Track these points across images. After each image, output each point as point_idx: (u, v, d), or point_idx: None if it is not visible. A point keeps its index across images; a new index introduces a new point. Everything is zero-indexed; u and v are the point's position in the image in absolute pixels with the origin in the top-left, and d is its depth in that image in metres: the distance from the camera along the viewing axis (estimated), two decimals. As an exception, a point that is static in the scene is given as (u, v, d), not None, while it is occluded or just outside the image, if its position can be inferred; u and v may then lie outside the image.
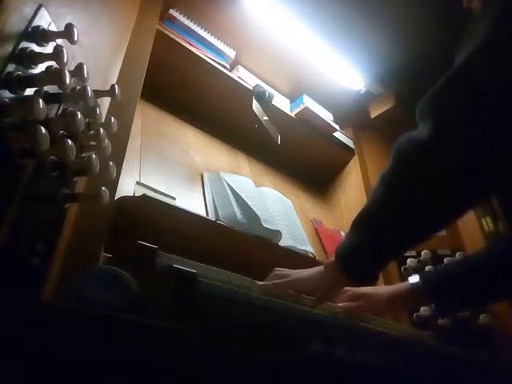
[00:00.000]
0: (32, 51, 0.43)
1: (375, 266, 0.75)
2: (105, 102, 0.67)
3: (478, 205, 0.72)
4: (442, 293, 0.85)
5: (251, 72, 1.42)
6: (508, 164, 0.63)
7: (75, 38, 0.47)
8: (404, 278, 1.10)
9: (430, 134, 0.64)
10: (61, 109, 0.48)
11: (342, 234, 1.37)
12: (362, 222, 0.74)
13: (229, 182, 1.06)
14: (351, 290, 0.86)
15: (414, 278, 0.87)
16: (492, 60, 0.61)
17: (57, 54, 0.44)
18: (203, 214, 0.99)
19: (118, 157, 0.70)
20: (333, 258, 0.77)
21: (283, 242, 1.03)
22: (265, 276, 0.82)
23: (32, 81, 0.42)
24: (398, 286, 0.90)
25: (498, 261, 0.83)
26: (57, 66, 0.45)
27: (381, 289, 0.90)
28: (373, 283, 0.79)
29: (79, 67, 0.48)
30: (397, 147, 0.70)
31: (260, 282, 0.77)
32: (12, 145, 0.39)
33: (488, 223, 1.19)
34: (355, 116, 1.64)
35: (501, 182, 0.71)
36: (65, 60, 0.44)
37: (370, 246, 0.72)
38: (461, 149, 0.62)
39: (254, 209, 1.00)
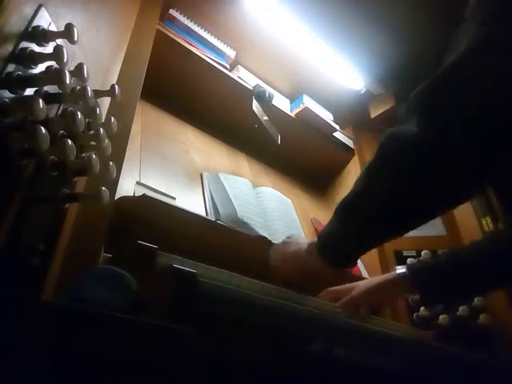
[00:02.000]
0: (32, 51, 0.43)
1: (354, 254, 0.79)
2: (105, 102, 0.67)
3: (465, 201, 0.73)
4: (428, 284, 0.86)
5: (251, 72, 1.42)
6: (502, 162, 0.63)
7: (75, 38, 0.47)
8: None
9: (421, 130, 0.63)
10: (61, 109, 0.48)
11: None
12: (345, 210, 0.77)
13: (224, 183, 1.06)
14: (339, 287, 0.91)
15: (401, 269, 0.89)
16: (485, 57, 0.60)
17: (57, 53, 0.44)
18: (203, 214, 0.99)
19: (118, 157, 0.70)
20: (315, 239, 0.81)
21: (283, 242, 1.03)
22: (265, 276, 0.81)
23: (32, 81, 0.42)
24: (382, 277, 0.92)
25: (486, 257, 0.85)
26: (57, 66, 0.45)
27: (366, 281, 0.92)
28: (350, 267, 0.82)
29: (79, 67, 0.48)
30: (385, 140, 0.70)
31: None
32: (12, 145, 0.39)
33: (488, 223, 1.19)
34: (355, 116, 1.64)
35: (500, 180, 0.71)
36: (65, 60, 0.44)
37: (350, 234, 0.75)
38: (452, 146, 0.62)
39: (246, 211, 1.00)
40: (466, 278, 0.86)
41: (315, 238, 0.83)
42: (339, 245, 0.77)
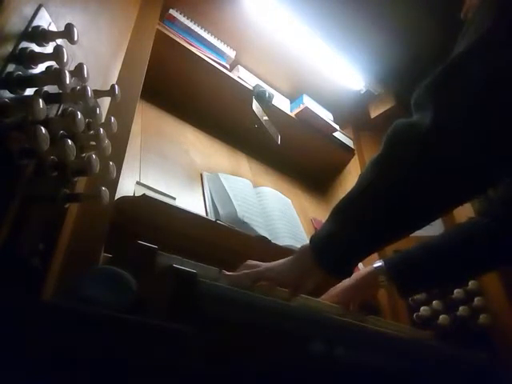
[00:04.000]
0: (32, 51, 0.43)
1: (351, 260, 0.70)
2: (105, 102, 0.67)
3: (476, 197, 0.70)
4: (403, 274, 0.88)
5: (251, 72, 1.42)
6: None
7: (75, 38, 0.47)
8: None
9: (431, 120, 0.59)
10: (61, 109, 0.48)
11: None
12: (343, 210, 0.68)
13: (224, 183, 1.06)
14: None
15: (378, 262, 0.91)
16: (494, 49, 0.58)
17: (57, 53, 0.44)
18: (203, 214, 0.99)
19: (118, 157, 0.70)
20: (308, 245, 0.71)
21: (283, 242, 1.03)
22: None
23: (32, 81, 0.42)
24: (361, 271, 0.93)
25: (459, 246, 0.88)
26: (57, 66, 0.45)
27: (345, 280, 0.90)
28: (346, 277, 0.74)
29: (79, 67, 0.48)
30: (391, 134, 0.65)
31: (228, 273, 0.71)
32: (12, 145, 0.39)
33: (488, 223, 1.19)
34: (355, 116, 1.64)
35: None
36: (65, 60, 0.44)
37: (348, 239, 0.66)
38: (464, 137, 0.58)
39: (246, 211, 1.00)
40: (438, 265, 0.89)
41: (305, 244, 0.73)
42: (340, 250, 0.68)
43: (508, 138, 0.58)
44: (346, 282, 0.91)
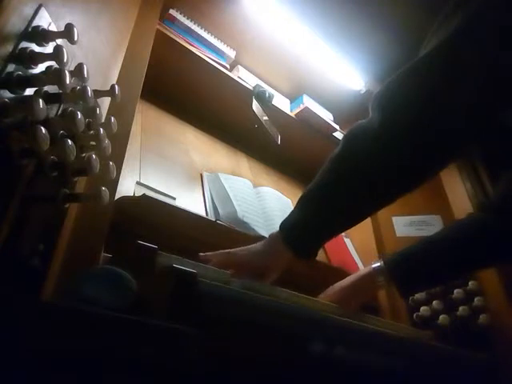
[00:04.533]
0: (32, 51, 0.43)
1: (315, 243, 0.79)
2: (105, 102, 0.67)
3: (414, 189, 0.76)
4: (404, 274, 0.89)
5: (251, 72, 1.42)
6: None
7: (75, 38, 0.47)
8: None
9: (376, 120, 0.70)
10: (61, 109, 0.48)
11: (342, 233, 1.37)
12: (309, 199, 0.78)
13: (224, 183, 1.06)
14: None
15: (377, 263, 0.91)
16: (443, 58, 0.66)
17: (57, 53, 0.44)
18: (203, 214, 0.99)
19: (118, 157, 0.70)
20: (277, 230, 0.79)
21: (283, 242, 1.03)
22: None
23: (32, 81, 0.42)
24: (360, 272, 0.94)
25: (458, 243, 0.89)
26: (57, 66, 0.45)
27: (343, 280, 0.93)
28: (310, 259, 0.81)
29: (79, 67, 0.48)
30: (347, 133, 0.77)
31: (201, 254, 0.77)
32: (12, 145, 0.39)
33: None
34: (355, 116, 1.63)
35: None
36: (65, 60, 0.44)
37: (312, 223, 0.76)
38: (406, 136, 0.68)
39: (246, 211, 1.00)
40: (437, 263, 0.89)
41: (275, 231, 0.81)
42: (304, 233, 0.76)
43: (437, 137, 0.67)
44: (344, 281, 0.91)
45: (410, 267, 0.89)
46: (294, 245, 0.77)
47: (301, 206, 0.78)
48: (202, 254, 0.77)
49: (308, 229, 0.76)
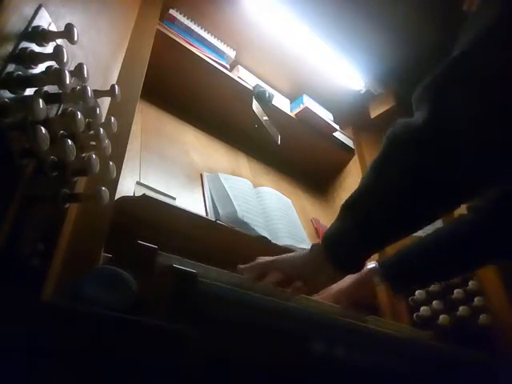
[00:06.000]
0: (32, 51, 0.43)
1: (359, 256, 0.72)
2: (105, 102, 0.67)
3: (473, 197, 0.71)
4: (397, 274, 0.90)
5: (251, 72, 1.42)
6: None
7: (75, 38, 0.47)
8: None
9: (426, 119, 0.60)
10: (61, 109, 0.48)
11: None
12: (350, 208, 0.70)
13: (224, 183, 1.06)
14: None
15: (372, 264, 0.92)
16: (495, 45, 0.58)
17: (57, 54, 0.44)
18: (203, 214, 0.99)
19: (118, 157, 0.70)
20: (319, 242, 0.74)
21: (283, 242, 1.03)
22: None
23: (32, 81, 0.42)
24: (355, 275, 0.91)
25: (450, 243, 0.89)
26: (57, 66, 0.45)
27: (340, 281, 0.90)
28: (352, 272, 0.76)
29: (79, 67, 0.48)
30: (390, 133, 0.66)
31: (244, 266, 0.76)
32: (12, 145, 0.39)
33: (488, 223, 1.19)
34: (355, 116, 1.64)
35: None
36: (65, 60, 0.44)
37: (355, 235, 0.68)
38: (460, 136, 0.58)
39: (246, 211, 1.00)
40: (429, 263, 0.90)
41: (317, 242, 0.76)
42: (348, 245, 0.70)
43: (502, 141, 0.58)
44: (341, 283, 0.92)
45: (402, 267, 0.90)
46: (333, 256, 0.71)
47: (340, 214, 0.72)
48: (240, 266, 0.75)
49: (346, 239, 0.70)
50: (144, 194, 0.78)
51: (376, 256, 1.08)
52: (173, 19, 1.22)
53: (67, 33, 0.46)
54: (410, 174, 0.63)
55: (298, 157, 1.54)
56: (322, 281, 0.77)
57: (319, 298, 0.89)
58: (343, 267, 0.73)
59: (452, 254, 0.89)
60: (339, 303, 0.89)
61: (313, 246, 0.76)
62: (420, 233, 0.79)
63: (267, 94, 1.31)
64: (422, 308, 1.13)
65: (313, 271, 0.73)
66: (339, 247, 0.71)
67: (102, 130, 0.52)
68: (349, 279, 0.93)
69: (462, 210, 1.16)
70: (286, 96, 1.51)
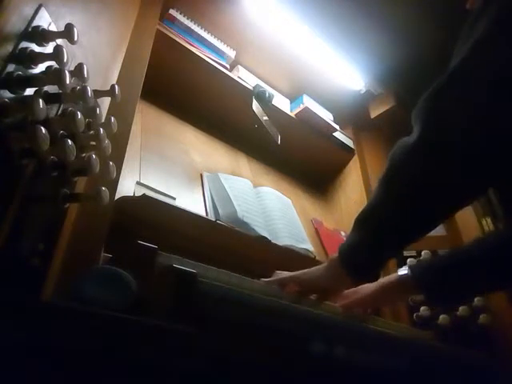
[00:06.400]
0: (32, 51, 0.43)
1: (375, 264, 0.76)
2: (105, 102, 0.67)
3: (469, 203, 0.73)
4: (432, 283, 0.84)
5: (251, 72, 1.42)
6: (502, 163, 0.63)
7: (75, 38, 0.47)
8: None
9: (416, 136, 0.65)
10: (61, 109, 0.48)
11: (342, 233, 1.37)
12: (363, 222, 0.75)
13: (224, 184, 1.06)
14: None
15: (403, 270, 0.87)
16: (488, 60, 0.61)
17: (57, 54, 0.44)
18: (203, 214, 0.99)
19: (118, 157, 0.70)
20: (337, 254, 0.78)
21: (283, 242, 1.03)
22: (264, 276, 0.82)
23: (32, 81, 0.42)
24: (385, 279, 0.89)
25: (490, 253, 0.84)
26: (57, 66, 0.45)
27: (368, 285, 0.89)
28: (369, 281, 0.80)
29: (79, 67, 0.48)
30: (391, 154, 0.72)
31: (264, 279, 0.79)
32: (12, 145, 0.39)
33: (488, 223, 1.19)
34: (355, 116, 1.64)
35: (502, 179, 0.71)
36: (65, 60, 0.44)
37: (369, 245, 0.73)
38: (449, 151, 0.63)
39: (246, 211, 1.00)
40: (468, 275, 0.84)
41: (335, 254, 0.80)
42: (364, 255, 0.74)
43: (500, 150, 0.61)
44: (371, 287, 0.87)
45: (437, 275, 0.84)
46: (349, 265, 0.76)
47: (354, 227, 0.76)
48: (264, 279, 0.79)
49: (360, 248, 0.75)
50: (144, 193, 0.78)
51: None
52: (173, 19, 1.22)
53: (67, 33, 0.46)
54: (412, 185, 0.68)
55: (298, 157, 1.54)
56: (340, 290, 0.82)
57: (343, 303, 0.87)
58: (359, 276, 0.77)
59: (491, 267, 0.82)
60: (365, 308, 0.87)
61: (330, 258, 0.80)
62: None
63: (267, 94, 1.31)
64: (421, 308, 1.13)
65: (331, 282, 0.78)
66: (355, 256, 0.75)
67: (102, 130, 0.52)
68: (378, 284, 0.90)
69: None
70: (286, 96, 1.51)
